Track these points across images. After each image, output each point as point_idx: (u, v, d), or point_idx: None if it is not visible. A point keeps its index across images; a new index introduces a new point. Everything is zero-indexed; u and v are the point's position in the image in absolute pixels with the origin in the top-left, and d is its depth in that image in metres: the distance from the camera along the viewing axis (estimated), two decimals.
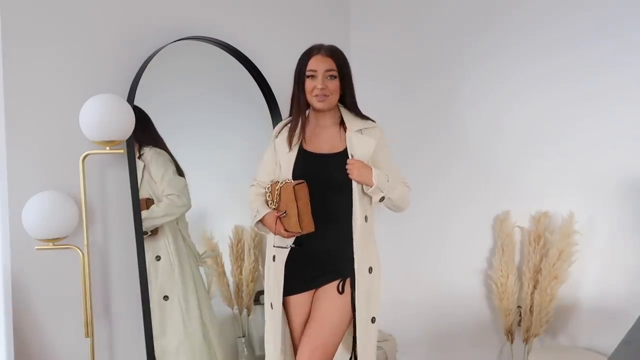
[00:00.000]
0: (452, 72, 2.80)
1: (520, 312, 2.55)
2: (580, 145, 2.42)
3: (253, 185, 2.07)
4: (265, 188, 1.96)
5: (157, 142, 2.32)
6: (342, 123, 2.01)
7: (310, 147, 1.99)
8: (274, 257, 2.00)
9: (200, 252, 2.45)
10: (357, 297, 1.92)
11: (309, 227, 1.87)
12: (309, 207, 1.86)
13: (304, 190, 1.86)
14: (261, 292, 2.63)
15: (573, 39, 2.42)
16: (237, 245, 2.63)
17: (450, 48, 2.81)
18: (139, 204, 2.19)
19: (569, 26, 2.43)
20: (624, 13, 2.28)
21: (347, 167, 1.91)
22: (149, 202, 2.26)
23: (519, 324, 2.57)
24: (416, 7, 2.93)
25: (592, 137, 2.39)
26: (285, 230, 1.89)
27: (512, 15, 2.59)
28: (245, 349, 2.66)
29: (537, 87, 2.53)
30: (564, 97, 2.46)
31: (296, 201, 1.84)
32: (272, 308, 2.00)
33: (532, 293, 2.48)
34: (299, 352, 1.95)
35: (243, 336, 2.67)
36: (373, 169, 1.90)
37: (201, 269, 2.44)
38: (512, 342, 2.58)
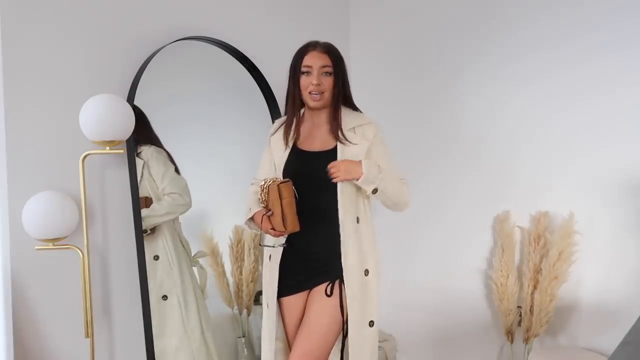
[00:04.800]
0: (451, 68, 2.80)
1: (520, 312, 2.55)
2: (581, 146, 2.42)
3: (252, 184, 2.07)
4: (259, 186, 1.94)
5: (154, 140, 2.31)
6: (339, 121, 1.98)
7: (303, 145, 1.98)
8: (270, 256, 2.00)
9: (194, 252, 2.45)
10: (349, 300, 1.89)
11: (293, 226, 1.84)
12: (294, 207, 1.84)
13: (288, 189, 1.84)
14: (261, 292, 2.63)
15: (577, 31, 2.41)
16: (237, 245, 2.64)
17: (449, 44, 2.80)
18: (139, 204, 2.19)
19: (575, 14, 2.40)
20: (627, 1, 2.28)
21: (330, 171, 1.86)
22: (148, 201, 2.26)
23: (519, 324, 2.57)
24: (415, 5, 2.93)
25: (593, 137, 2.39)
26: (272, 228, 1.87)
27: (511, 8, 2.58)
28: (245, 349, 2.66)
29: (538, 88, 2.53)
30: (565, 98, 2.46)
31: (280, 200, 1.83)
32: (267, 308, 2.00)
33: (532, 293, 2.48)
34: (290, 358, 1.92)
35: (243, 336, 2.67)
36: (363, 161, 1.87)
37: (194, 269, 2.43)
38: (512, 342, 2.58)
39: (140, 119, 2.23)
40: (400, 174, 1.99)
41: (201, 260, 2.48)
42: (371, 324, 1.95)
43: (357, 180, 1.87)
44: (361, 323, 1.92)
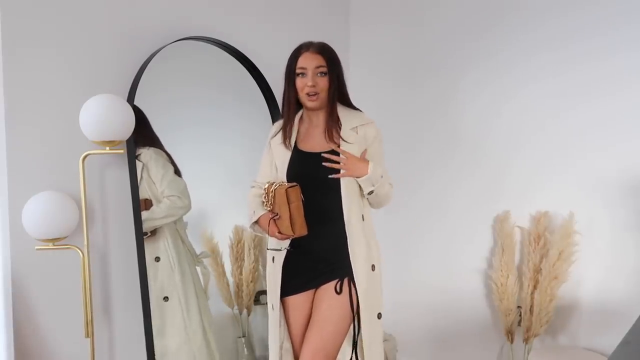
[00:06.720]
0: (451, 70, 2.80)
1: (520, 312, 2.55)
2: (581, 146, 2.42)
3: (253, 186, 2.07)
4: (263, 189, 1.95)
5: (155, 142, 2.31)
6: (337, 121, 1.98)
7: (303, 147, 1.98)
8: (273, 258, 2.00)
9: (198, 252, 2.45)
10: (360, 296, 1.92)
11: (302, 230, 1.86)
12: (302, 211, 1.85)
13: (296, 193, 1.85)
14: (261, 292, 2.64)
15: (576, 34, 2.41)
16: (237, 245, 2.64)
17: (449, 46, 2.81)
18: (139, 204, 2.19)
19: (574, 18, 2.41)
20: (628, 6, 2.28)
21: (340, 164, 1.89)
22: (148, 203, 2.26)
23: (519, 324, 2.57)
24: (415, 6, 2.93)
25: (593, 137, 2.39)
26: (279, 232, 1.88)
27: (512, 12, 2.59)
28: (245, 349, 2.66)
29: (538, 89, 2.53)
30: (565, 99, 2.46)
31: (288, 204, 1.83)
32: (272, 309, 2.01)
33: (532, 293, 2.48)
34: (300, 356, 1.94)
35: (243, 336, 2.67)
36: (370, 162, 1.91)
37: (198, 269, 2.44)
38: (512, 342, 2.58)
39: (141, 119, 2.23)
40: (389, 178, 2.01)
41: (204, 261, 2.48)
42: (379, 316, 1.99)
43: (359, 178, 1.90)
44: (371, 317, 1.96)
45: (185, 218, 2.39)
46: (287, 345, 2.01)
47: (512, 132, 2.62)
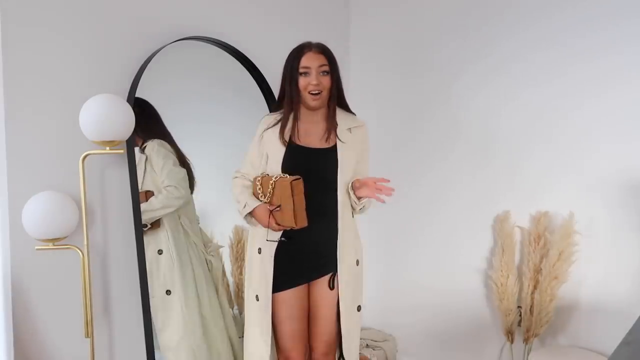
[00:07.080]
0: (451, 68, 2.80)
1: (520, 312, 2.55)
2: (581, 146, 2.43)
3: (236, 177, 2.08)
4: (256, 181, 1.99)
5: (165, 135, 2.32)
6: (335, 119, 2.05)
7: (300, 142, 2.02)
8: (259, 249, 2.02)
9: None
10: (342, 288, 2.00)
11: (303, 222, 1.90)
12: (304, 203, 1.90)
13: (300, 186, 1.89)
14: None
15: (576, 30, 2.41)
16: (237, 245, 2.64)
17: (449, 42, 2.80)
18: (139, 204, 2.19)
19: (573, 15, 2.41)
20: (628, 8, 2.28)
21: (368, 188, 1.94)
22: (149, 195, 2.26)
23: (519, 324, 2.57)
24: (415, 5, 2.93)
25: (593, 137, 2.39)
26: (277, 224, 1.92)
27: (512, 7, 2.59)
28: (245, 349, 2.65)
29: (539, 89, 2.53)
30: (565, 99, 2.46)
31: (292, 197, 1.86)
32: (257, 300, 2.02)
33: (532, 293, 2.48)
34: (315, 348, 2.04)
35: (243, 336, 2.66)
36: None
37: (208, 262, 2.44)
38: (512, 342, 2.58)
39: (152, 115, 2.26)
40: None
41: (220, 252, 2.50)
42: (359, 308, 2.07)
43: (361, 199, 2.00)
44: (351, 308, 2.05)
45: (196, 211, 2.42)
46: (268, 338, 2.02)
47: (513, 133, 2.62)
